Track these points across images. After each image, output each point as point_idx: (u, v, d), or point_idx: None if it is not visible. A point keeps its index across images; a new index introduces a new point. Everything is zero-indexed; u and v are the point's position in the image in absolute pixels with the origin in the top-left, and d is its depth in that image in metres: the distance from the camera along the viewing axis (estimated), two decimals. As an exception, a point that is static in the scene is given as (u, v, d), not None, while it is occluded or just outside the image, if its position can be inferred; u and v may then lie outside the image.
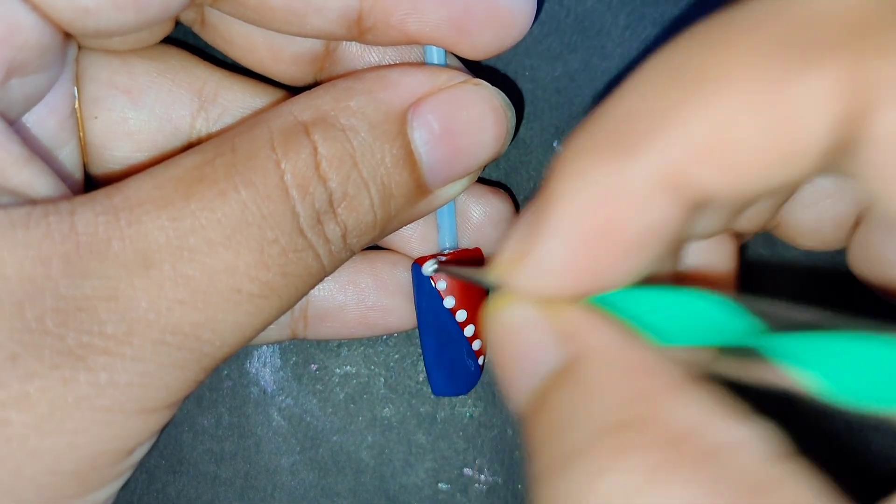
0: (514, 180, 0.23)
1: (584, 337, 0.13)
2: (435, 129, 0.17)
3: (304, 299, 0.20)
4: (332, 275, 0.21)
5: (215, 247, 0.15)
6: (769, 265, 0.23)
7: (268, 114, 0.17)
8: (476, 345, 0.21)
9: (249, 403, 0.23)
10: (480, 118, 0.17)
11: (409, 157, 0.17)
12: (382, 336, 0.23)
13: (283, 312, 0.17)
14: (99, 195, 0.16)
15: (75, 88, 0.19)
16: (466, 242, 0.21)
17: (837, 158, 0.12)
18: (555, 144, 0.23)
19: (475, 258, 0.21)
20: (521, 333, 0.14)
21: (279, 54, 0.19)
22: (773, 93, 0.11)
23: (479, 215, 0.21)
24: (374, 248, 0.22)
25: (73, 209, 0.15)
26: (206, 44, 0.21)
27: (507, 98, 0.18)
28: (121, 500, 0.23)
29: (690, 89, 0.12)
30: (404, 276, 0.21)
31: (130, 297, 0.15)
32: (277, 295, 0.16)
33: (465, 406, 0.23)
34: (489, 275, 0.14)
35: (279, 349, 0.23)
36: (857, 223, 0.18)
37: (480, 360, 0.21)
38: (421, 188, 0.17)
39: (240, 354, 0.23)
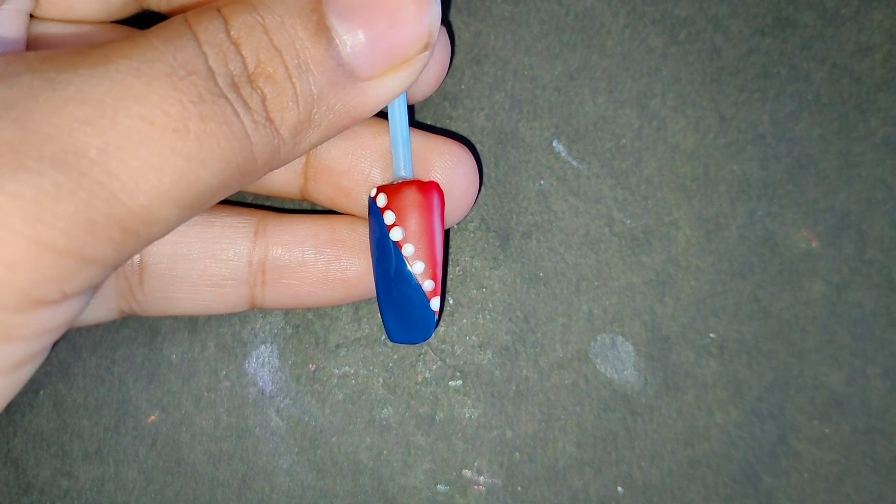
0: (514, 180, 0.23)
1: None
2: (349, 5, 0.17)
3: (261, 252, 0.21)
4: (289, 229, 0.21)
5: (125, 75, 0.15)
6: None
7: None
8: (427, 285, 0.20)
9: (247, 404, 0.23)
10: None
11: (324, 32, 0.17)
12: (372, 337, 0.23)
13: (209, 178, 0.16)
14: (10, 54, 0.15)
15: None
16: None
17: None
18: (555, 144, 0.23)
19: (432, 190, 0.20)
20: None
21: None
22: None
23: (439, 162, 0.21)
24: (334, 213, 0.22)
25: None
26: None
27: None
28: (119, 500, 0.23)
29: None
30: (364, 238, 0.21)
31: (30, 109, 0.14)
32: (196, 138, 0.15)
33: (465, 407, 0.23)
34: None
35: (277, 349, 0.23)
36: None
37: (434, 304, 0.20)
38: (344, 69, 0.17)
39: (238, 354, 0.23)
